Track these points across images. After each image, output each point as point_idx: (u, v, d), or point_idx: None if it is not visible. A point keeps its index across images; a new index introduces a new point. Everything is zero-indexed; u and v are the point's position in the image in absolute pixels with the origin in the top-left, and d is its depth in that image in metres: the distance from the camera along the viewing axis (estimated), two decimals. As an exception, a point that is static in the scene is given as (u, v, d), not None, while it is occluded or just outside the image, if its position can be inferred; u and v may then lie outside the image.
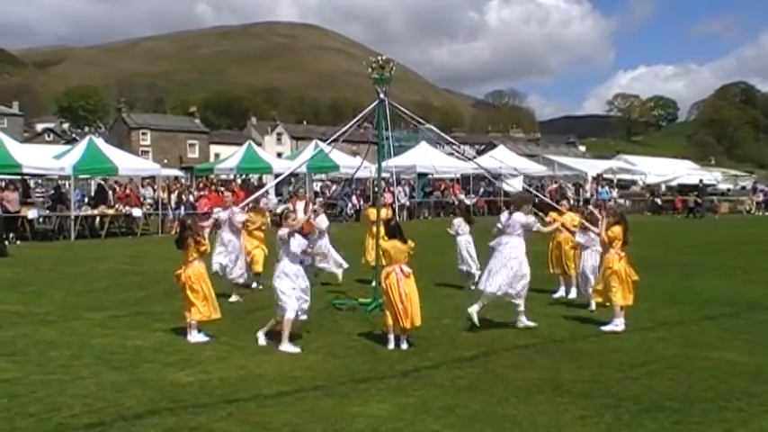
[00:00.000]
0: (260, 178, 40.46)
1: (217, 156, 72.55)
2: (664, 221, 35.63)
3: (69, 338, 9.14)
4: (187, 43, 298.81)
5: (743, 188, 51.38)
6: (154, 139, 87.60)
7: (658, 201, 43.04)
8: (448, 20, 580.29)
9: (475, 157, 37.41)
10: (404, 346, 8.57)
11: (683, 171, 50.51)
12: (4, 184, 26.28)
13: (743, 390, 6.88)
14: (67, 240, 23.41)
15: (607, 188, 42.11)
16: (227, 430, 5.83)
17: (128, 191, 30.19)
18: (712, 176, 51.23)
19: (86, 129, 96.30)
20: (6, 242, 19.90)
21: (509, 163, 35.09)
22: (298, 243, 8.88)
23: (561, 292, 12.29)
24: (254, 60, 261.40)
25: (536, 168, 42.92)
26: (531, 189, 30.43)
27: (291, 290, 8.72)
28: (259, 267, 13.40)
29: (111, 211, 25.81)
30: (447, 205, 38.33)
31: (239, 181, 35.33)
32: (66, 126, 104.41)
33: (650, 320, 10.16)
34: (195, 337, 8.97)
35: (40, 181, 31.70)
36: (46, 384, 7.05)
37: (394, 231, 9.13)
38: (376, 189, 13.33)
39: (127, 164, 27.40)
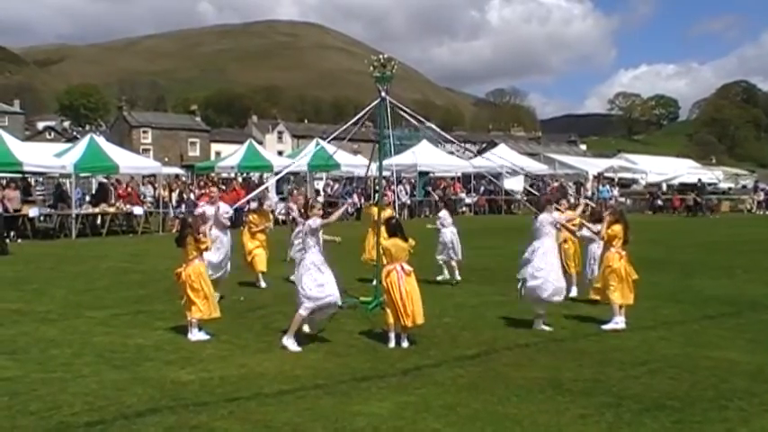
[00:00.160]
0: (261, 177, 40.46)
1: (218, 154, 72.53)
2: (664, 221, 35.62)
3: (70, 337, 9.15)
4: (188, 41, 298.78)
5: (744, 187, 51.35)
6: (155, 138, 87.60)
7: (659, 201, 42.95)
8: (449, 18, 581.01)
9: (476, 155, 37.46)
10: (405, 344, 8.57)
11: (684, 170, 50.48)
12: (5, 182, 26.25)
13: (744, 389, 6.88)
14: (68, 239, 23.40)
15: (608, 187, 42.09)
16: (227, 429, 5.83)
17: (129, 189, 30.19)
18: (713, 175, 51.16)
19: (87, 127, 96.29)
20: (7, 240, 19.92)
21: (511, 161, 35.08)
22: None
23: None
24: (255, 59, 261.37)
25: (537, 167, 42.91)
26: (531, 189, 30.51)
27: (316, 286, 8.58)
28: (263, 267, 13.42)
29: (112, 210, 25.81)
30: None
31: (240, 179, 35.30)
32: (67, 124, 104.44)
33: (651, 319, 10.16)
34: (196, 335, 8.97)
35: (40, 179, 31.69)
36: (47, 383, 7.05)
37: (395, 230, 9.13)
38: (377, 188, 13.34)
39: (128, 162, 27.40)
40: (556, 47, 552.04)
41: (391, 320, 8.62)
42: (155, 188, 31.90)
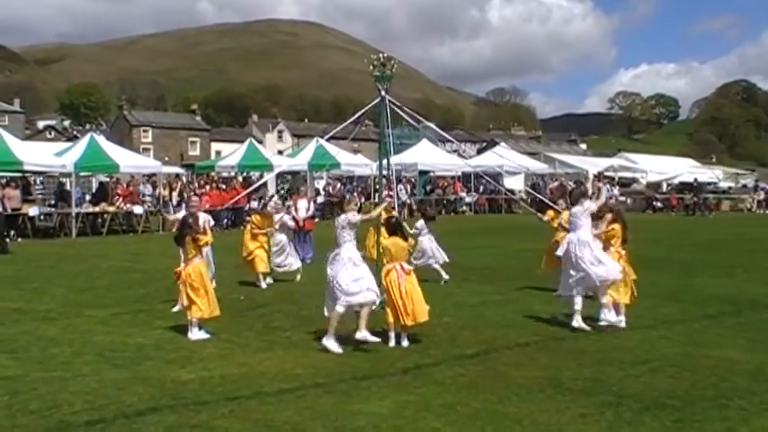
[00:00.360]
0: (261, 176, 40.47)
1: (218, 153, 72.50)
2: (664, 220, 35.61)
3: (70, 336, 9.15)
4: (188, 41, 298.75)
5: (744, 186, 51.32)
6: (155, 137, 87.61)
7: (658, 203, 42.88)
8: (450, 18, 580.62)
9: (473, 156, 37.46)
10: (405, 343, 8.56)
11: (684, 169, 50.45)
12: (5, 181, 26.26)
13: (744, 388, 6.87)
14: (69, 238, 23.42)
15: (608, 186, 42.06)
16: (228, 428, 5.83)
17: (131, 188, 30.22)
18: (713, 174, 51.14)
19: (88, 126, 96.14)
20: (8, 239, 19.92)
21: (512, 160, 35.11)
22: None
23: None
24: (255, 58, 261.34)
25: (537, 166, 42.91)
26: (531, 190, 30.50)
27: (352, 281, 8.42)
28: (263, 268, 13.42)
29: (112, 209, 25.82)
30: (449, 203, 38.38)
31: (240, 178, 35.31)
32: (67, 123, 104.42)
33: (651, 319, 10.15)
34: (196, 334, 8.97)
35: (41, 178, 31.70)
36: (47, 381, 7.05)
37: (395, 229, 9.13)
38: (377, 186, 13.35)
39: (128, 161, 27.42)
40: (556, 46, 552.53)
41: (391, 320, 8.62)
42: (154, 188, 31.93)
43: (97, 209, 25.69)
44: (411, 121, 13.52)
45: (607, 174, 44.80)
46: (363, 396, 6.64)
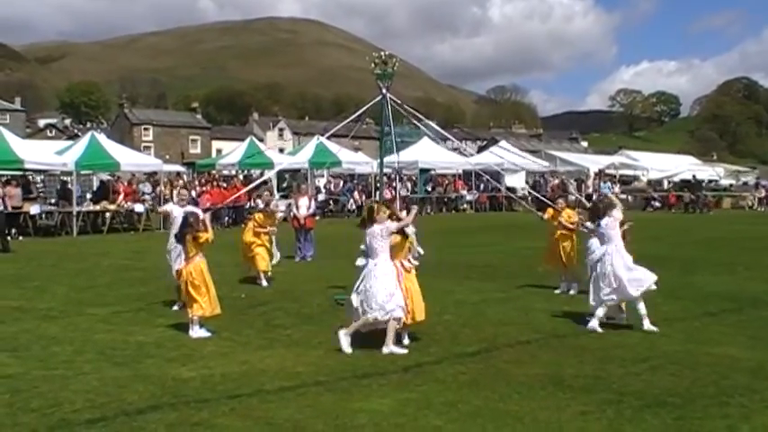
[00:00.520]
0: (261, 174, 40.49)
1: (219, 151, 72.57)
2: (664, 218, 35.59)
3: (72, 334, 9.16)
4: (189, 39, 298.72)
5: (745, 184, 51.29)
6: (156, 135, 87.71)
7: (656, 203, 42.78)
8: (450, 15, 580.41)
9: (473, 155, 37.42)
10: (405, 341, 8.56)
11: (685, 167, 50.38)
12: (5, 180, 26.27)
13: (745, 385, 6.87)
14: (70, 236, 23.43)
15: (609, 184, 42.06)
16: (229, 425, 5.83)
17: (134, 186, 30.25)
18: (714, 172, 51.09)
19: (88, 124, 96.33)
20: (9, 238, 19.93)
21: (512, 158, 35.09)
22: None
23: (563, 288, 12.31)
24: (256, 56, 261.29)
25: (538, 164, 42.85)
26: (531, 189, 30.46)
27: (388, 295, 8.19)
28: (264, 266, 13.41)
29: (113, 207, 25.83)
30: (449, 201, 38.40)
31: (241, 177, 35.33)
32: (68, 122, 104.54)
33: (652, 316, 10.09)
34: (197, 332, 8.97)
35: (42, 177, 31.70)
36: (48, 380, 7.06)
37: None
38: (378, 185, 13.38)
39: (129, 159, 27.43)
40: (557, 44, 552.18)
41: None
42: (156, 186, 31.94)
43: (98, 207, 25.69)
44: (412, 120, 13.52)
45: (608, 171, 44.77)
46: (364, 394, 6.64)
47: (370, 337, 8.92)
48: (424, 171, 38.20)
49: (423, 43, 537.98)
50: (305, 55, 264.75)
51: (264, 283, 13.22)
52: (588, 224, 10.78)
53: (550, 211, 12.59)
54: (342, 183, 38.18)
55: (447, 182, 40.05)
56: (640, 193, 44.85)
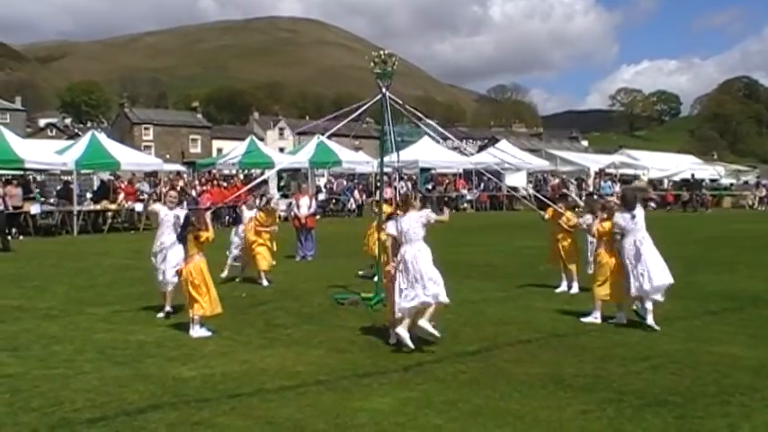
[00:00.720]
0: (262, 173, 40.47)
1: (219, 151, 72.57)
2: (665, 217, 35.56)
3: (72, 333, 9.15)
4: (189, 38, 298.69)
5: (746, 183, 51.25)
6: (156, 134, 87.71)
7: (652, 204, 42.68)
8: (451, 14, 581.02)
9: (475, 153, 37.41)
10: (406, 340, 8.55)
11: (685, 166, 50.34)
12: (5, 179, 26.27)
13: (746, 384, 6.87)
14: (70, 235, 23.43)
15: (610, 183, 42.02)
16: (229, 425, 5.83)
17: (134, 186, 30.26)
18: (715, 171, 51.04)
19: (89, 124, 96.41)
20: (9, 237, 19.93)
21: (512, 157, 35.09)
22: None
23: (563, 287, 12.31)
24: (256, 55, 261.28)
25: (539, 163, 42.87)
26: (531, 191, 30.42)
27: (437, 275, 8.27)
28: (265, 265, 13.39)
29: (113, 206, 25.83)
30: (450, 200, 38.37)
31: (241, 176, 35.32)
32: (68, 121, 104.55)
33: (653, 315, 10.13)
34: (198, 332, 8.97)
35: (42, 176, 31.71)
36: (49, 379, 7.05)
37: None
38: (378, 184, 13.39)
39: (129, 159, 27.46)
40: (558, 43, 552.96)
41: (392, 317, 8.61)
42: (155, 185, 31.93)
43: (99, 207, 25.69)
44: (412, 118, 13.51)
45: (608, 171, 44.74)
46: (365, 393, 6.64)
47: (371, 335, 8.94)
48: (424, 170, 38.18)
49: (423, 42, 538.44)
50: (305, 54, 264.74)
51: (265, 282, 13.22)
52: (588, 218, 10.77)
53: (551, 211, 12.60)
54: (345, 182, 38.21)
55: (447, 181, 40.04)
56: (641, 193, 44.77)
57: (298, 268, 15.34)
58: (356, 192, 35.81)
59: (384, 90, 11.15)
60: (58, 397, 6.48)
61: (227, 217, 28.16)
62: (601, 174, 43.68)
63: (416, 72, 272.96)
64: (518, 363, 7.69)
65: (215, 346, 8.46)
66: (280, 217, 18.12)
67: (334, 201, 35.90)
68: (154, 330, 9.36)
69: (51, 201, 25.97)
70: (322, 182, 38.47)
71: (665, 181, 47.78)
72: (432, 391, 6.68)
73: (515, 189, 37.09)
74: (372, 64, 11.06)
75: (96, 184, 31.35)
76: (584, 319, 9.74)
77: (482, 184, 39.73)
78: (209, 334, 8.98)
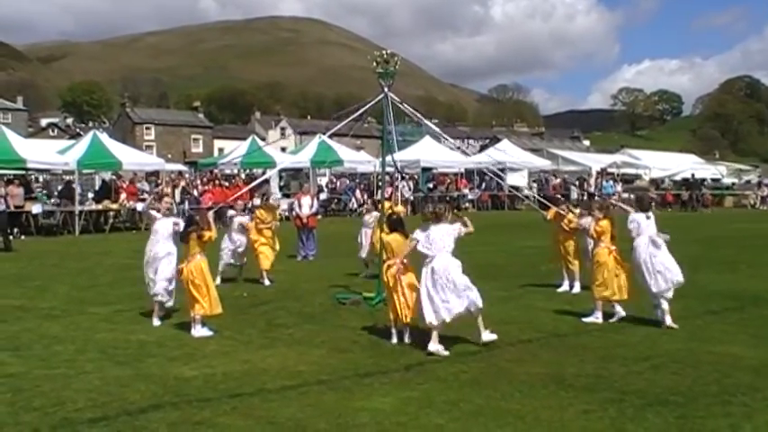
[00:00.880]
0: (263, 173, 40.47)
1: (221, 150, 72.57)
2: (665, 216, 35.51)
3: (73, 333, 9.16)
4: (191, 38, 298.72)
5: (748, 182, 51.21)
6: (158, 134, 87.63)
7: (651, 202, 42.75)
8: (452, 14, 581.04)
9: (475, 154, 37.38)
10: (407, 340, 8.57)
11: (687, 165, 50.32)
12: (7, 179, 26.28)
13: (747, 384, 6.86)
14: (72, 235, 23.44)
15: (611, 182, 42.01)
16: (231, 424, 5.83)
17: (136, 186, 30.24)
18: (717, 171, 51.01)
19: (90, 124, 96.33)
20: (11, 237, 19.94)
21: (510, 157, 35.12)
22: None
23: (565, 287, 12.31)
24: (258, 55, 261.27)
25: (540, 163, 42.84)
26: (533, 193, 30.38)
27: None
28: (267, 265, 13.39)
29: (115, 206, 25.84)
30: (451, 200, 38.36)
31: (243, 176, 35.32)
32: (70, 121, 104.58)
33: (654, 315, 10.13)
34: (199, 331, 8.98)
35: (44, 176, 31.77)
36: (50, 379, 7.06)
37: (395, 225, 9.13)
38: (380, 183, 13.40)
39: (131, 159, 27.49)
40: (559, 42, 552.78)
41: (393, 316, 8.62)
42: (157, 185, 31.93)
43: (100, 206, 25.71)
44: (414, 118, 13.51)
45: (610, 170, 44.71)
46: (366, 393, 6.64)
47: (372, 335, 8.94)
48: (425, 170, 38.17)
49: (424, 42, 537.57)
50: (307, 54, 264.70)
51: (266, 282, 13.22)
52: (587, 220, 10.83)
53: (552, 211, 12.59)
54: (348, 181, 38.22)
55: (449, 181, 40.01)
56: (643, 192, 44.80)
57: (299, 268, 15.34)
58: (358, 191, 35.79)
59: (386, 90, 11.16)
60: (60, 397, 6.49)
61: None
62: (602, 173, 43.66)
63: (418, 72, 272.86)
64: (519, 362, 7.69)
65: (216, 346, 8.47)
66: (281, 216, 18.16)
67: (335, 200, 35.90)
68: (155, 330, 9.37)
69: (52, 200, 26.00)
70: (323, 181, 38.46)
71: (667, 180, 47.74)
72: (433, 391, 6.68)
73: (517, 188, 37.07)
74: (374, 64, 11.06)
75: (98, 183, 31.40)
76: (585, 319, 9.75)
77: (483, 184, 39.70)
78: (210, 333, 8.99)
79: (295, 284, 13.08)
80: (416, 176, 38.09)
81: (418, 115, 12.85)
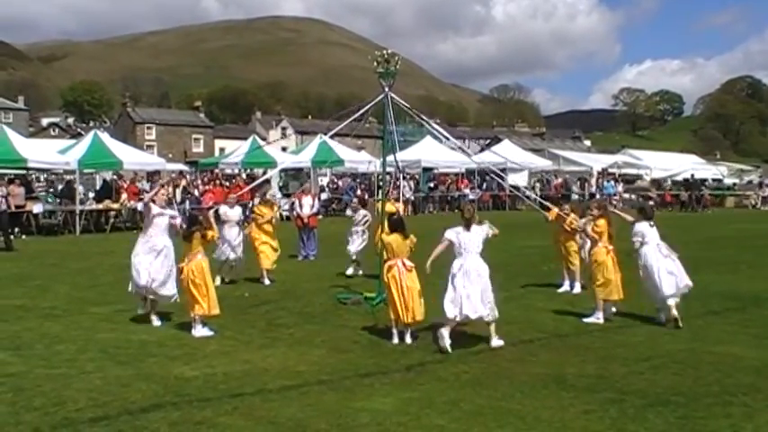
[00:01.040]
0: (264, 173, 40.45)
1: (221, 150, 72.58)
2: (666, 217, 35.52)
3: (74, 333, 9.16)
4: (192, 38, 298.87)
5: (750, 182, 51.15)
6: (159, 134, 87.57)
7: (650, 201, 42.65)
8: (454, 14, 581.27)
9: (476, 154, 37.35)
10: (408, 340, 8.57)
11: (688, 166, 50.27)
12: (8, 179, 26.27)
13: (748, 384, 6.86)
14: (72, 235, 23.44)
15: (612, 183, 41.98)
16: (231, 424, 5.83)
17: (137, 185, 30.23)
18: (718, 171, 50.97)
19: (91, 123, 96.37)
20: (12, 237, 19.94)
21: (513, 157, 35.07)
22: None
23: (566, 287, 12.31)
24: (259, 55, 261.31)
25: (541, 163, 42.81)
26: (534, 194, 30.29)
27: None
28: (268, 264, 13.39)
29: (116, 206, 25.83)
30: (452, 200, 38.35)
31: (244, 175, 35.31)
32: (71, 121, 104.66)
33: (657, 318, 10.12)
34: (200, 331, 8.98)
35: (45, 176, 31.76)
36: (51, 378, 7.06)
37: (396, 226, 9.13)
38: (381, 183, 13.40)
39: (132, 158, 27.45)
40: (560, 42, 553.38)
41: (394, 316, 8.62)
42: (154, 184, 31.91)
43: (101, 206, 25.69)
44: (415, 118, 13.52)
45: (611, 170, 44.67)
46: (367, 393, 6.64)
47: (373, 335, 8.94)
48: (426, 170, 38.16)
49: (426, 42, 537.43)
50: (308, 54, 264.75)
51: (266, 281, 13.22)
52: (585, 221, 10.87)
53: (553, 212, 12.59)
54: (349, 180, 38.20)
55: (450, 181, 39.99)
56: (644, 192, 44.76)
57: (300, 268, 15.34)
58: (359, 191, 35.77)
59: (387, 89, 11.16)
60: (61, 396, 6.49)
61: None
62: (603, 173, 43.63)
63: (419, 72, 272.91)
64: (520, 363, 7.69)
65: (217, 346, 8.47)
66: (281, 216, 18.15)
67: (336, 200, 35.88)
68: (156, 330, 9.37)
69: (50, 200, 25.97)
70: (324, 181, 38.45)
71: (668, 181, 47.70)
72: (434, 391, 6.68)
73: (518, 189, 37.01)
74: (375, 64, 11.06)
75: (99, 183, 31.38)
76: (586, 320, 9.74)
77: (484, 184, 39.67)
78: (211, 333, 8.99)
79: (296, 284, 13.08)
80: (417, 176, 38.09)
81: (419, 114, 12.85)
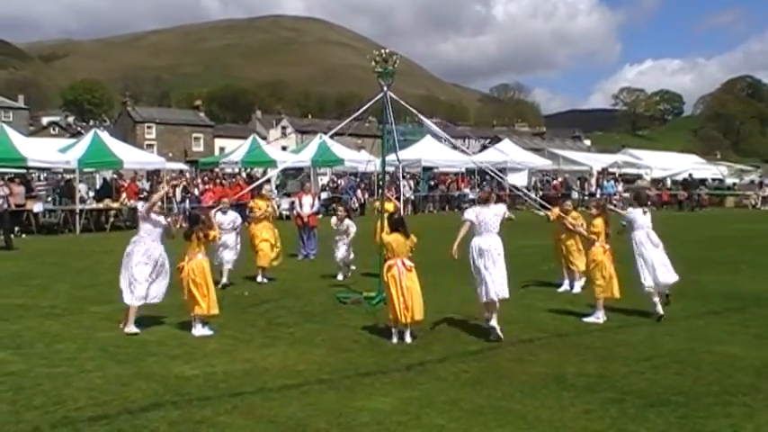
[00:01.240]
0: (264, 172, 40.44)
1: (222, 149, 72.57)
2: (666, 216, 35.51)
3: (74, 332, 9.16)
4: (192, 37, 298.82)
5: (752, 182, 51.12)
6: (159, 133, 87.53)
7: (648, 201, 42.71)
8: (454, 14, 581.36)
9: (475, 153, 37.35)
10: (408, 340, 8.56)
11: (688, 165, 50.22)
12: (8, 178, 26.27)
13: (748, 384, 6.86)
14: (73, 234, 23.44)
15: (612, 182, 41.95)
16: (231, 423, 5.83)
17: (138, 184, 30.24)
18: (718, 171, 50.93)
19: (91, 122, 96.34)
20: (12, 236, 19.94)
21: (513, 157, 35.08)
22: None
23: (565, 286, 12.31)
24: (259, 54, 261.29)
25: (541, 162, 42.79)
26: (534, 195, 30.32)
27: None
28: (264, 262, 13.38)
29: (116, 205, 25.83)
30: (452, 199, 38.36)
31: (244, 175, 35.30)
32: (71, 120, 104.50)
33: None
34: (200, 330, 8.98)
35: (45, 175, 31.71)
36: (51, 377, 7.06)
37: (397, 225, 9.13)
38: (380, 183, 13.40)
39: (132, 157, 27.44)
40: (561, 42, 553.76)
41: (393, 316, 8.62)
42: (159, 183, 31.91)
43: (101, 205, 25.68)
44: (414, 117, 13.52)
45: (611, 170, 44.64)
46: (367, 392, 6.64)
47: (373, 334, 8.94)
48: (426, 169, 38.16)
49: (426, 41, 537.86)
50: (308, 53, 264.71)
51: (261, 279, 13.16)
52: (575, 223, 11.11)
53: (554, 211, 12.58)
54: (352, 177, 38.22)
55: (450, 180, 39.98)
56: (640, 189, 44.75)
57: (300, 267, 15.34)
58: (359, 191, 35.79)
59: (385, 89, 11.15)
60: (61, 395, 6.49)
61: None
62: (604, 173, 43.58)
63: (419, 71, 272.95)
64: (520, 362, 7.69)
65: (217, 345, 8.47)
66: (281, 215, 18.15)
67: (337, 199, 35.88)
68: (156, 329, 9.36)
69: (49, 200, 25.98)
70: (324, 180, 38.46)
71: (668, 180, 47.68)
72: (434, 391, 6.68)
73: (518, 188, 37.00)
74: (373, 63, 11.06)
75: (99, 182, 31.36)
76: (586, 319, 9.75)
77: (484, 183, 39.65)
78: (211, 333, 8.99)
79: (296, 283, 13.08)
80: (417, 176, 38.08)
81: (418, 114, 12.84)
